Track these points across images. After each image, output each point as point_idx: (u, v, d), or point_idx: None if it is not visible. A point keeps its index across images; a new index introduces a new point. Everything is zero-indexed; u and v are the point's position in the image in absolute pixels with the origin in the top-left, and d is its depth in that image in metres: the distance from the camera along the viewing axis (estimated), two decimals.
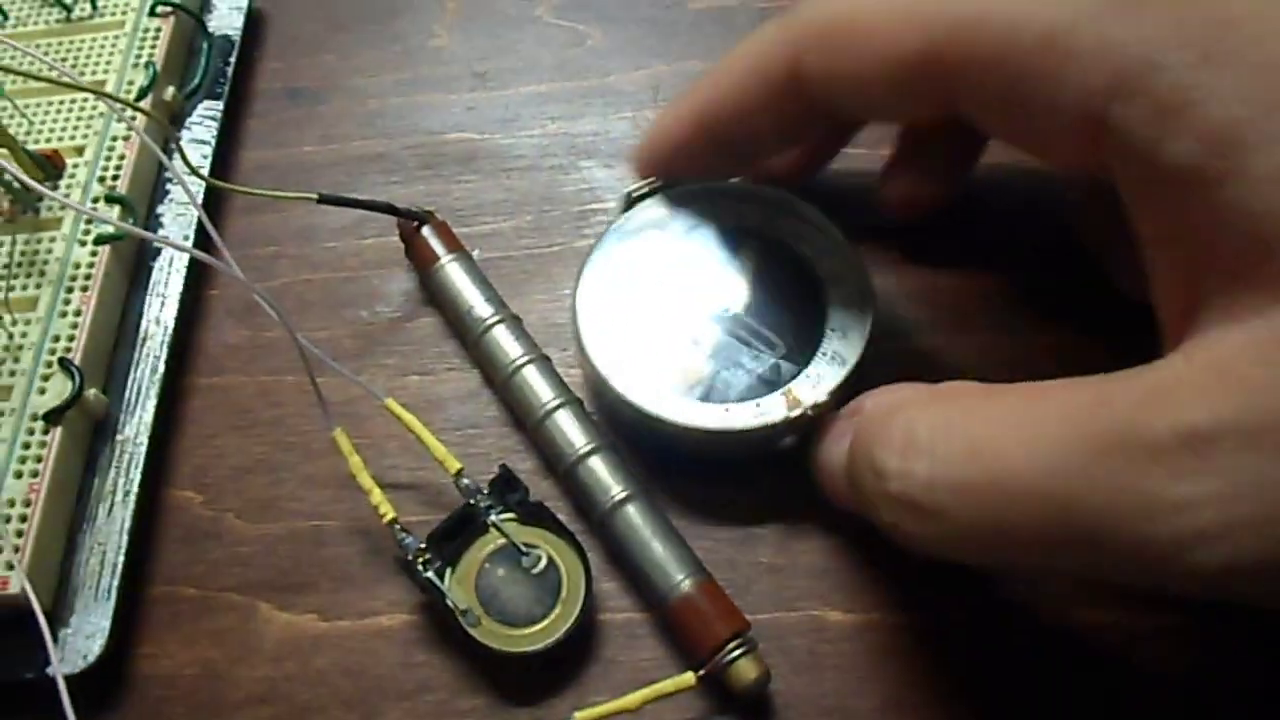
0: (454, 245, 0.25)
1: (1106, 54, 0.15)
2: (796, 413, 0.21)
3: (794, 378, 0.21)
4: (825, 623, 0.21)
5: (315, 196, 0.23)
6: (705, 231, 0.23)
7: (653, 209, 0.24)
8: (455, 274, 0.24)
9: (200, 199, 0.26)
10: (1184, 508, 0.13)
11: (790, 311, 0.22)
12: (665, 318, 0.22)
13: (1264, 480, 0.13)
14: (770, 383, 0.21)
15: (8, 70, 0.20)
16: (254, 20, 0.31)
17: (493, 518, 0.21)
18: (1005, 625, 0.20)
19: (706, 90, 0.21)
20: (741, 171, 0.24)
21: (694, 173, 0.23)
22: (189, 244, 0.26)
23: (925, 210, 0.24)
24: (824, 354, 0.22)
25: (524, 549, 0.21)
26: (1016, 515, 0.15)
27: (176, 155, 0.26)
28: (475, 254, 0.25)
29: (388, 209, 0.24)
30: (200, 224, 0.26)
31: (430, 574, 0.21)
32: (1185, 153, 0.15)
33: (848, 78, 0.19)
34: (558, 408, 0.22)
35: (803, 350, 0.22)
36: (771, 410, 0.21)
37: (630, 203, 0.24)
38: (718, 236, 0.23)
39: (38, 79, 0.20)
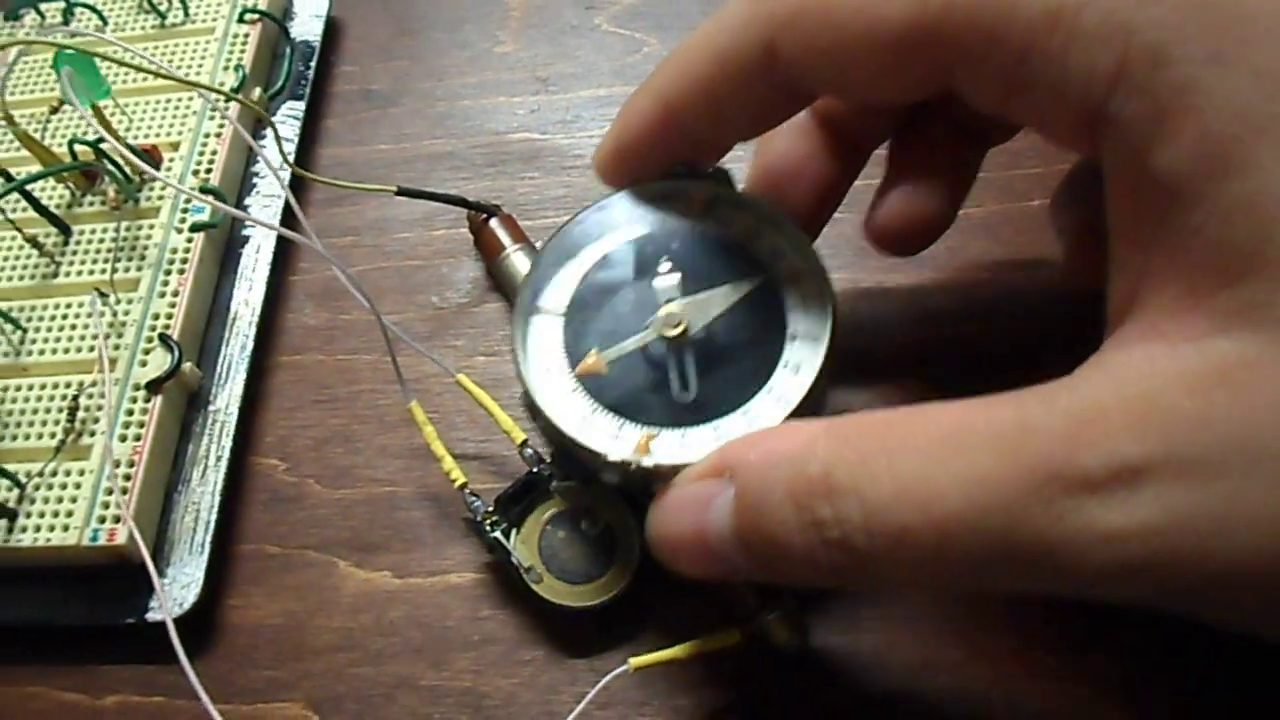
0: (519, 237, 0.27)
1: (1113, 38, 0.15)
2: (634, 460, 0.20)
3: (672, 426, 0.21)
4: (854, 596, 0.22)
5: (394, 189, 0.25)
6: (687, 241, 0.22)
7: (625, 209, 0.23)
8: (521, 263, 0.26)
9: (285, 190, 0.28)
10: (1114, 538, 0.14)
11: (733, 358, 0.21)
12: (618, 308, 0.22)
13: (1192, 511, 0.13)
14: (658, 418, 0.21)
15: (127, 65, 0.23)
16: (332, 27, 0.34)
17: (555, 484, 0.23)
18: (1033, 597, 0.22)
19: (670, 78, 0.20)
20: (711, 160, 0.22)
21: (660, 166, 0.22)
22: (274, 233, 0.29)
23: (922, 234, 0.22)
24: (711, 424, 0.20)
25: (583, 513, 0.23)
26: (956, 551, 0.15)
27: (268, 146, 0.28)
28: (538, 245, 0.27)
29: (459, 202, 0.26)
30: (284, 214, 0.29)
31: (498, 534, 0.22)
32: (1173, 162, 0.14)
33: (829, 57, 0.18)
34: None
35: (710, 403, 0.21)
36: (619, 445, 0.20)
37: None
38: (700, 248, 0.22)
39: (159, 75, 0.22)
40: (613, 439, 0.21)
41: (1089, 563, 0.14)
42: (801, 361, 0.21)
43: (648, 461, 0.20)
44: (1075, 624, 0.21)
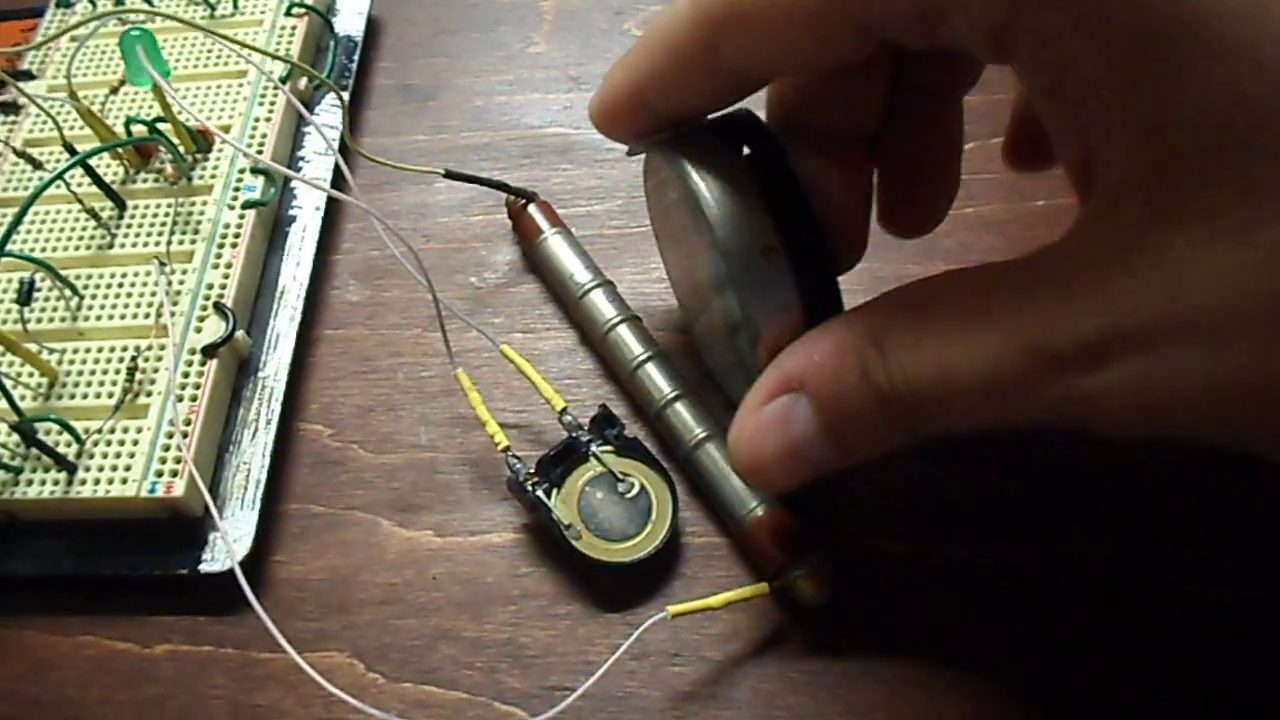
0: (556, 221, 0.28)
1: None
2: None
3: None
4: (883, 551, 0.24)
5: (442, 171, 0.27)
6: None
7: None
8: (558, 246, 0.28)
9: (331, 171, 0.30)
10: (1092, 399, 0.16)
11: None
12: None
13: (1145, 377, 0.16)
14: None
15: (207, 31, 0.24)
16: (373, 25, 0.35)
17: (593, 449, 0.24)
18: (1042, 562, 0.23)
19: (637, 63, 0.21)
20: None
21: (646, 129, 0.22)
22: (320, 214, 0.30)
23: (933, 216, 0.24)
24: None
25: (620, 476, 0.24)
26: (986, 413, 0.18)
27: (313, 128, 0.30)
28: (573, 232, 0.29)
29: (501, 186, 0.28)
30: (329, 199, 0.30)
31: (539, 493, 0.24)
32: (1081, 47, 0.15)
33: (765, 46, 0.19)
34: (647, 360, 0.26)
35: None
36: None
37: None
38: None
39: (240, 45, 0.23)
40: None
41: (1085, 416, 0.16)
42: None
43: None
44: (1094, 596, 0.23)
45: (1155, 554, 0.23)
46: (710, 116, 0.22)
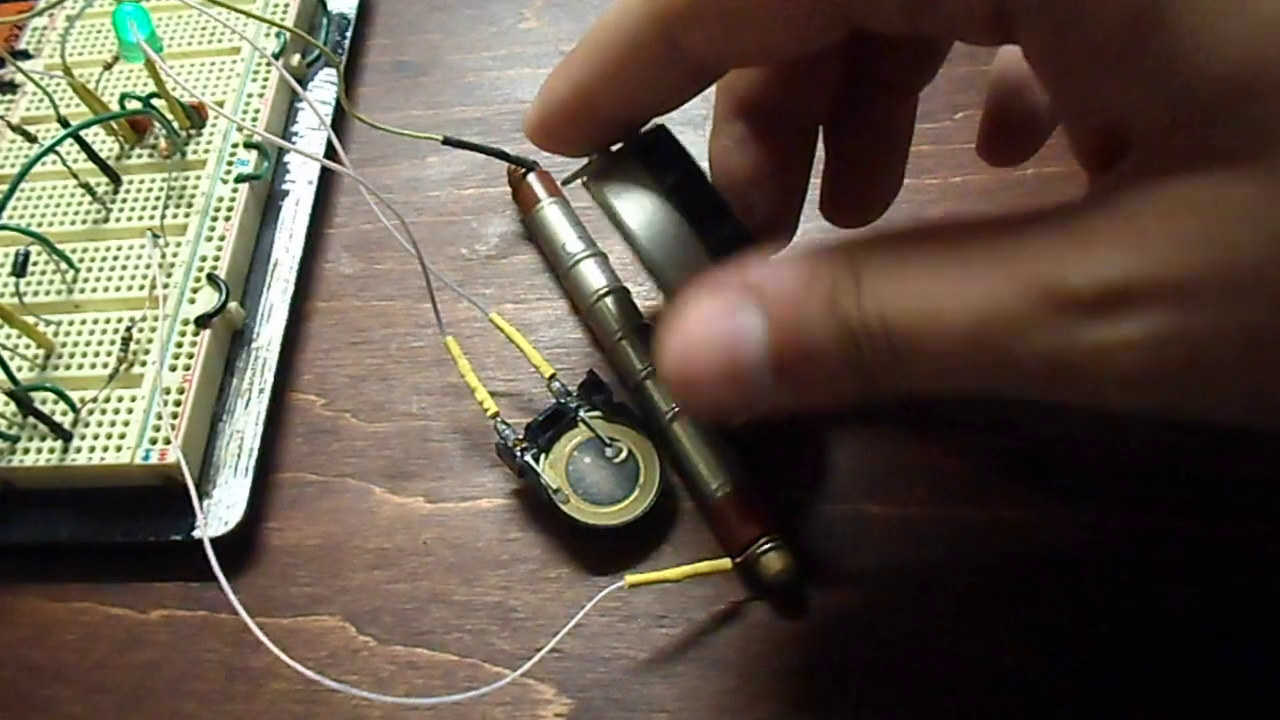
0: (554, 191, 0.29)
1: None
2: None
3: None
4: (866, 514, 0.24)
5: (440, 138, 0.27)
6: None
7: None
8: (553, 215, 0.28)
9: (324, 146, 0.30)
10: (1103, 353, 0.14)
11: None
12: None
13: (1172, 331, 0.14)
14: None
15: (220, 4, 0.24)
16: (366, 2, 0.35)
17: (581, 414, 0.25)
18: (1025, 525, 0.23)
19: (580, 65, 0.20)
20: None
21: (589, 140, 0.21)
22: (312, 188, 0.30)
23: (876, 205, 0.24)
24: None
25: (607, 441, 0.24)
26: (962, 360, 0.16)
27: (305, 97, 0.30)
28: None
29: (501, 155, 0.28)
30: (323, 171, 0.30)
31: (528, 458, 0.24)
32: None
33: (730, 38, 0.18)
34: (630, 332, 0.26)
35: None
36: None
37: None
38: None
39: (233, 9, 0.23)
40: None
41: (1087, 375, 0.15)
42: None
43: None
44: (1068, 560, 0.23)
45: (1148, 520, 0.23)
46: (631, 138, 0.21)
